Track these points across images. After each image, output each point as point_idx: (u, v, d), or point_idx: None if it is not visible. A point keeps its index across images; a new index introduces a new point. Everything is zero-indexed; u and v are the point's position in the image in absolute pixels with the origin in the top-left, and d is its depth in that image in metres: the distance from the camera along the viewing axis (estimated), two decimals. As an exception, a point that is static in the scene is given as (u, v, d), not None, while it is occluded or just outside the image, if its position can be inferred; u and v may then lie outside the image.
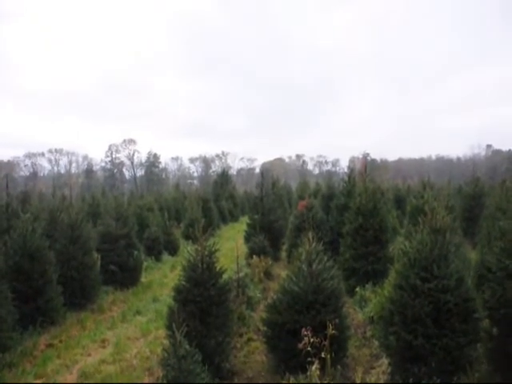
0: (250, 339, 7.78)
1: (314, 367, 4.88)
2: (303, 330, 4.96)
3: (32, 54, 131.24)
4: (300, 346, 4.90)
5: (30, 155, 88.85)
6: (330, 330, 5.05)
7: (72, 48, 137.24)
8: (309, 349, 4.94)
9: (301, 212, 15.59)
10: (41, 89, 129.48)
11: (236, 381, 6.27)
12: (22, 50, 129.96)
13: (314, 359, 4.97)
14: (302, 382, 5.08)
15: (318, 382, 4.83)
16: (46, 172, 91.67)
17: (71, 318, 9.34)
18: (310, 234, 6.98)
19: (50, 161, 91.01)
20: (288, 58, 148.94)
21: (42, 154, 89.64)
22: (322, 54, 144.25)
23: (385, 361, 5.51)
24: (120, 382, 6.28)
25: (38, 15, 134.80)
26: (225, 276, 6.81)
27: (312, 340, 4.88)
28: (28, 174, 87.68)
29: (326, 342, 4.98)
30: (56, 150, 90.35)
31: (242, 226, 27.33)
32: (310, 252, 6.72)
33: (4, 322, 7.40)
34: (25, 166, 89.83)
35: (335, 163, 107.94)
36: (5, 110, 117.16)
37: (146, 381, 6.27)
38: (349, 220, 11.39)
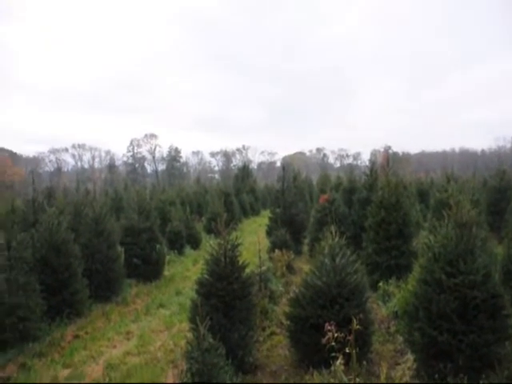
0: (272, 333, 7.79)
1: (338, 362, 4.84)
2: (327, 324, 4.92)
3: (53, 52, 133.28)
4: (324, 340, 4.85)
5: (54, 151, 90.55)
6: (355, 325, 4.99)
7: (91, 45, 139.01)
8: (333, 344, 4.89)
9: (322, 206, 15.52)
10: (64, 86, 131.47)
11: (259, 375, 6.28)
12: (41, 49, 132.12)
13: (338, 354, 4.93)
14: (325, 377, 5.06)
15: (344, 377, 4.79)
16: (70, 167, 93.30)
17: (96, 310, 9.50)
18: (333, 228, 6.93)
19: (73, 156, 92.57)
20: (306, 50, 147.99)
21: (66, 150, 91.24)
22: (340, 44, 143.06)
23: (410, 357, 5.45)
24: (145, 373, 6.36)
25: (54, 12, 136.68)
26: (247, 270, 6.82)
27: (336, 335, 4.83)
28: (52, 169, 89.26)
29: (351, 337, 4.92)
30: (79, 146, 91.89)
31: (263, 219, 27.36)
32: (333, 246, 6.68)
33: (33, 313, 7.61)
34: (49, 161, 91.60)
35: (356, 156, 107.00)
36: (30, 107, 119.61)
37: (170, 373, 6.33)
38: (371, 214, 11.27)
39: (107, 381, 6.28)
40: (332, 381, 5.03)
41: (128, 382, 6.14)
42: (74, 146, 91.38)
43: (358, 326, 5.22)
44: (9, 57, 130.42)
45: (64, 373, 6.65)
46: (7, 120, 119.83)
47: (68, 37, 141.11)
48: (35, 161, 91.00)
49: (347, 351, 4.90)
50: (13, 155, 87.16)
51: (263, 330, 7.81)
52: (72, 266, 9.06)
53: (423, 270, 6.14)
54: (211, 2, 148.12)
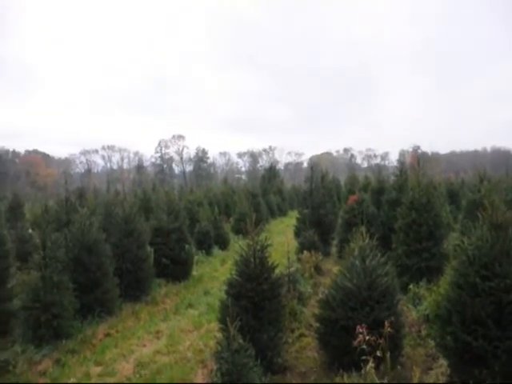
0: (301, 335, 7.75)
1: (369, 366, 4.79)
2: (358, 327, 4.88)
3: (84, 56, 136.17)
4: (355, 343, 4.82)
5: (84, 152, 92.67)
6: (387, 328, 4.94)
7: (121, 47, 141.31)
8: (364, 346, 4.85)
9: (351, 206, 15.36)
10: (93, 89, 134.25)
11: (288, 376, 6.26)
12: (73, 52, 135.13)
13: (368, 357, 4.88)
14: (355, 380, 5.00)
15: (377, 380, 4.73)
16: (100, 168, 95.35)
17: (126, 309, 9.64)
18: (364, 229, 6.85)
19: (103, 157, 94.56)
20: (334, 49, 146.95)
21: (96, 151, 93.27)
22: (367, 43, 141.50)
23: (444, 362, 5.32)
24: (174, 372, 6.42)
25: (85, 15, 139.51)
26: (276, 271, 6.81)
27: (367, 338, 4.78)
28: (83, 170, 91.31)
29: (382, 341, 4.87)
30: (109, 147, 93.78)
31: (290, 220, 27.30)
32: (363, 247, 6.60)
33: (66, 310, 7.79)
34: (80, 162, 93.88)
35: (384, 157, 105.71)
36: (62, 109, 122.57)
37: (200, 373, 6.38)
38: (401, 215, 11.09)
39: (138, 378, 6.36)
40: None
41: (158, 380, 6.20)
42: (103, 148, 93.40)
43: (389, 330, 5.17)
44: (41, 60, 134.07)
45: (96, 370, 6.77)
46: (40, 122, 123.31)
47: (97, 39, 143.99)
48: (67, 162, 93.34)
49: (378, 354, 4.85)
50: (46, 157, 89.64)
51: (292, 331, 7.78)
52: (103, 266, 9.22)
53: (456, 273, 6.00)
54: (240, 3, 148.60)
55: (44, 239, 8.07)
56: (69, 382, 6.33)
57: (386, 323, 5.09)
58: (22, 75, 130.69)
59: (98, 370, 6.78)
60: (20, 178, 77.61)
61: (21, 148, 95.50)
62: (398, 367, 5.56)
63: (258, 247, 6.42)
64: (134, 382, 6.28)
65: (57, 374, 6.57)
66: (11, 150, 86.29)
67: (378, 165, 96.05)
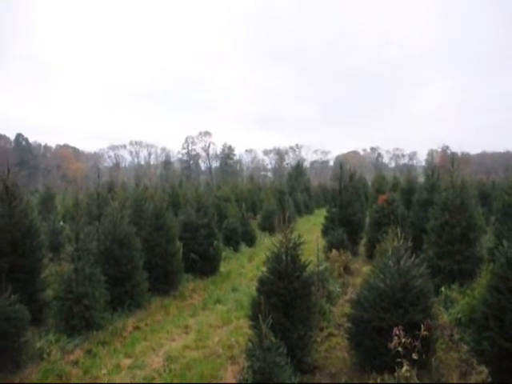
0: (330, 334, 7.66)
1: (404, 369, 4.67)
2: (395, 329, 4.77)
3: (115, 52, 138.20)
4: (391, 345, 4.71)
5: (113, 147, 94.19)
6: (423, 331, 4.82)
7: (147, 43, 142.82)
8: (399, 349, 4.74)
9: (381, 206, 15.14)
10: (122, 85, 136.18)
11: (318, 376, 6.19)
12: (102, 47, 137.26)
13: (404, 360, 4.76)
14: (391, 382, 4.89)
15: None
16: (127, 163, 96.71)
17: (155, 302, 9.70)
18: (398, 230, 6.72)
19: (130, 153, 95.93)
20: (360, 46, 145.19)
21: (124, 146, 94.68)
22: (394, 40, 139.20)
23: (484, 369, 5.15)
24: (204, 367, 6.43)
25: (115, 10, 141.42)
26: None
27: (403, 340, 4.67)
28: (111, 164, 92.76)
29: (418, 343, 4.75)
30: (136, 143, 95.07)
31: (317, 218, 27.11)
32: (397, 248, 6.46)
33: (97, 302, 7.90)
34: (108, 157, 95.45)
35: (412, 156, 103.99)
36: (92, 105, 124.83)
37: (230, 369, 6.36)
38: (433, 216, 10.85)
39: (167, 373, 6.39)
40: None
41: (188, 375, 6.21)
42: (131, 143, 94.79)
43: (425, 332, 5.04)
44: (71, 56, 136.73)
45: (126, 362, 6.84)
46: (71, 117, 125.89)
47: (126, 36, 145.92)
48: (95, 157, 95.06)
49: (414, 357, 4.73)
50: (75, 151, 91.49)
51: (321, 330, 7.69)
52: (134, 259, 9.31)
53: (495, 277, 5.83)
54: (272, 1, 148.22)
55: (77, 232, 8.18)
56: (100, 372, 6.40)
57: (423, 326, 4.96)
58: (54, 72, 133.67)
59: (128, 362, 6.84)
60: (51, 172, 79.46)
61: (52, 143, 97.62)
62: (441, 371, 5.41)
63: (291, 244, 6.35)
64: (163, 375, 6.31)
65: (88, 364, 6.66)
66: (43, 144, 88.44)
67: (405, 165, 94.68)
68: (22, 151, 76.16)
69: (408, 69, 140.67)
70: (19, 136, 79.01)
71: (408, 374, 4.68)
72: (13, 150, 76.04)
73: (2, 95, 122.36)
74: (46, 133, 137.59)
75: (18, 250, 8.13)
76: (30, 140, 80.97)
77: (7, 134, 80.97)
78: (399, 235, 6.57)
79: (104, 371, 6.46)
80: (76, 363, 6.69)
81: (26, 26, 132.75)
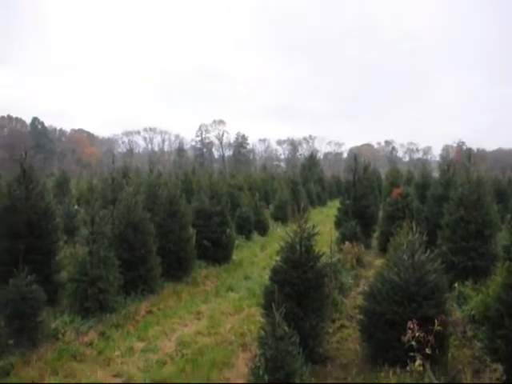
0: (342, 326, 7.66)
1: (417, 363, 4.66)
2: (409, 322, 4.75)
3: (133, 39, 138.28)
4: (404, 339, 4.70)
5: (127, 133, 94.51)
6: (437, 326, 4.79)
7: (165, 32, 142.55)
8: (412, 343, 4.72)
9: (395, 200, 15.03)
10: (137, 72, 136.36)
11: (329, 366, 6.20)
12: (121, 35, 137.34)
13: (417, 354, 4.75)
14: (405, 376, 4.88)
15: (434, 379, 4.59)
16: (141, 149, 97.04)
17: (168, 288, 9.78)
18: (413, 224, 6.67)
19: (144, 139, 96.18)
20: (376, 40, 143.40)
21: (138, 133, 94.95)
22: (411, 34, 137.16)
23: (499, 367, 5.11)
24: (216, 353, 6.48)
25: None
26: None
27: (417, 334, 4.65)
28: (125, 150, 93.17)
29: (431, 338, 4.73)
30: (150, 129, 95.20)
31: (329, 210, 27.03)
32: (412, 242, 6.42)
33: (111, 285, 7.99)
34: (122, 143, 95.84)
35: (427, 151, 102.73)
36: (107, 90, 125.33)
37: (241, 356, 6.41)
38: (448, 211, 10.75)
39: (180, 357, 6.46)
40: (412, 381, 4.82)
41: (200, 360, 6.27)
42: (145, 129, 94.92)
43: (439, 328, 5.01)
44: (90, 43, 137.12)
45: (139, 345, 6.92)
46: (87, 102, 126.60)
47: (144, 24, 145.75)
48: (110, 142, 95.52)
49: (427, 352, 4.71)
50: (90, 136, 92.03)
51: (333, 321, 7.70)
52: (148, 244, 9.37)
53: (510, 275, 5.76)
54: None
55: (93, 215, 8.25)
56: (113, 354, 6.49)
57: (436, 321, 4.93)
58: (71, 57, 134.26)
59: (141, 345, 6.93)
60: (66, 156, 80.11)
61: (67, 127, 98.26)
62: (460, 367, 5.38)
63: (305, 235, 6.34)
64: (175, 359, 6.37)
65: (102, 345, 6.76)
66: (58, 128, 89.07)
67: (420, 159, 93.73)
68: (37, 135, 76.78)
69: (425, 63, 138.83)
70: (35, 120, 79.66)
71: (421, 369, 4.67)
72: (29, 133, 76.78)
73: (19, 80, 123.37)
74: (61, 117, 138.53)
75: (34, 232, 8.24)
76: (46, 124, 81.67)
77: (23, 118, 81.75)
78: (414, 229, 6.53)
79: (117, 353, 6.55)
80: (90, 344, 6.80)
81: (40, 17, 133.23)
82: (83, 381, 5.73)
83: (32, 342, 6.40)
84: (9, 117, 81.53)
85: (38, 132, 78.30)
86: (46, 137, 79.46)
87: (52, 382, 5.61)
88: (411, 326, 4.71)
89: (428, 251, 6.53)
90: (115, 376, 5.93)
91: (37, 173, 9.28)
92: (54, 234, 8.75)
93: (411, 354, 4.86)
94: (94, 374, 5.93)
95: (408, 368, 4.98)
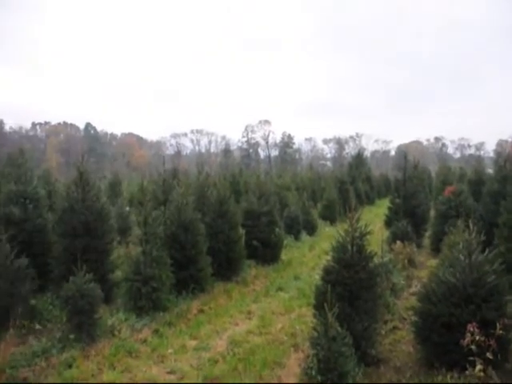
0: (395, 327, 7.49)
1: (477, 368, 4.48)
2: (469, 325, 4.58)
3: (171, 42, 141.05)
4: (464, 342, 4.53)
5: (174, 136, 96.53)
6: (499, 330, 4.59)
7: (210, 35, 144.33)
8: (472, 347, 4.55)
9: (447, 198, 14.55)
10: (182, 73, 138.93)
11: (382, 369, 6.07)
12: (168, 38, 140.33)
13: (477, 359, 4.57)
14: (460, 380, 4.71)
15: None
16: (188, 151, 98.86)
17: (218, 287, 9.88)
18: (470, 222, 6.43)
19: (191, 141, 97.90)
20: (425, 33, 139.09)
21: (185, 135, 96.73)
22: (463, 26, 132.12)
23: None
24: (268, 353, 6.50)
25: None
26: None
27: (477, 338, 4.48)
28: (173, 152, 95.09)
29: (493, 342, 4.53)
30: (197, 131, 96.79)
31: (378, 209, 26.53)
32: (470, 241, 6.19)
33: (164, 284, 8.18)
34: (170, 145, 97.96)
35: (479, 147, 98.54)
36: (155, 95, 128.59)
37: (293, 357, 6.39)
38: (506, 209, 10.28)
39: (231, 356, 6.52)
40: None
41: (252, 359, 6.29)
42: (192, 131, 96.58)
43: (500, 331, 4.81)
44: (133, 48, 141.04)
45: (191, 343, 7.04)
46: (136, 107, 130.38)
47: (187, 24, 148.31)
48: (158, 145, 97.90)
49: (489, 357, 4.52)
50: (139, 139, 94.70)
51: (385, 323, 7.54)
52: (198, 244, 9.53)
53: None
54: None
55: (146, 216, 8.48)
56: (167, 352, 6.64)
57: (498, 324, 4.73)
58: (121, 63, 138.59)
59: (194, 343, 7.04)
60: (117, 159, 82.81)
61: (117, 131, 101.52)
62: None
63: (357, 234, 6.24)
64: (227, 358, 6.43)
65: (156, 343, 6.93)
66: (109, 132, 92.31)
67: (472, 155, 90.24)
68: (90, 139, 79.97)
69: (476, 55, 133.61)
70: (88, 125, 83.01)
71: (481, 374, 4.49)
72: (82, 138, 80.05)
73: (72, 87, 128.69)
74: (112, 123, 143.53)
75: (90, 232, 8.56)
76: (98, 129, 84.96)
77: (77, 124, 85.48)
78: (471, 228, 6.29)
79: (170, 350, 6.69)
80: (144, 341, 6.99)
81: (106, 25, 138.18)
82: (139, 376, 5.89)
83: (91, 338, 6.67)
84: (64, 123, 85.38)
85: (91, 137, 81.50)
86: (98, 141, 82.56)
87: (110, 376, 5.80)
88: (471, 329, 4.54)
89: (486, 251, 6.28)
90: (169, 373, 6.06)
91: (91, 176, 9.64)
92: (109, 235, 9.06)
93: (471, 358, 4.68)
94: (148, 370, 6.08)
95: (467, 373, 4.82)
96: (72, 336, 6.59)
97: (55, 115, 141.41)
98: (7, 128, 79.44)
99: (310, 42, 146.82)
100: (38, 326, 7.28)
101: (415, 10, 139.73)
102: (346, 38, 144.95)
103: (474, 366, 4.65)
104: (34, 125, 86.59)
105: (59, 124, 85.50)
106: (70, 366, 6.01)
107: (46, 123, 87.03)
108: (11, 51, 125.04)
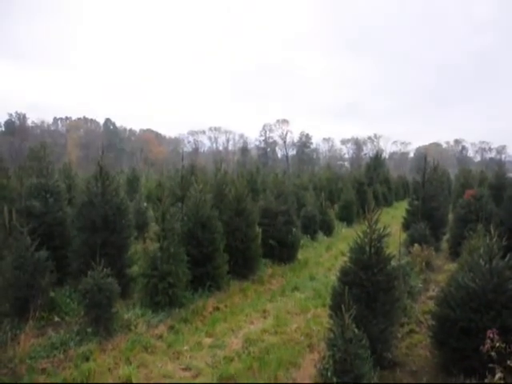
0: (411, 331, 7.41)
1: (497, 376, 4.39)
2: (489, 331, 4.49)
3: (193, 42, 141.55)
4: (483, 348, 4.45)
5: (192, 133, 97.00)
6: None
7: (231, 33, 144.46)
8: (492, 354, 4.47)
9: (467, 201, 14.33)
10: (201, 72, 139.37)
11: (398, 372, 6.01)
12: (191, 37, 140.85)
13: (496, 366, 4.48)
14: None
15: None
16: (206, 148, 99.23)
17: (234, 285, 9.90)
18: (491, 227, 6.32)
19: (209, 138, 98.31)
20: (443, 32, 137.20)
21: (203, 132, 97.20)
22: (482, 26, 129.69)
23: None
24: (283, 352, 6.48)
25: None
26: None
27: (498, 344, 4.39)
28: (190, 149, 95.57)
29: (513, 349, 4.44)
30: (215, 129, 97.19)
31: (396, 211, 26.24)
32: (491, 246, 6.08)
33: (180, 281, 8.22)
34: (188, 142, 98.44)
35: (501, 150, 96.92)
36: (174, 92, 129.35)
37: (308, 357, 6.37)
38: (528, 215, 10.10)
39: (246, 354, 6.52)
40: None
41: (267, 358, 6.29)
42: (210, 129, 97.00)
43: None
44: (156, 44, 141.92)
45: (207, 341, 7.07)
46: (155, 104, 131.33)
47: (206, 27, 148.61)
48: (176, 141, 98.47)
49: (510, 364, 4.43)
50: (158, 136, 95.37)
51: (401, 326, 7.46)
52: (215, 241, 9.54)
53: None
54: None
55: (164, 212, 8.52)
56: (182, 348, 6.67)
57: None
58: (143, 61, 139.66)
59: (209, 341, 7.06)
60: (135, 155, 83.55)
61: (136, 127, 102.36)
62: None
63: (375, 236, 6.18)
64: (242, 357, 6.44)
65: (172, 339, 6.97)
66: (128, 128, 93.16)
67: (492, 159, 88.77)
68: (109, 135, 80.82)
69: (497, 58, 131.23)
70: (107, 121, 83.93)
71: (501, 382, 4.40)
72: (102, 133, 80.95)
73: (93, 83, 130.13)
74: (131, 119, 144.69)
75: (109, 227, 8.63)
76: (117, 125, 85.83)
77: (97, 119, 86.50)
78: (492, 233, 6.19)
79: (186, 347, 6.72)
80: (160, 337, 7.03)
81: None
82: (155, 372, 5.93)
83: (107, 332, 6.74)
84: (84, 118, 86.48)
85: (110, 132, 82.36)
86: (118, 136, 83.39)
87: (126, 370, 5.85)
88: (491, 336, 4.45)
89: (507, 257, 6.17)
90: (184, 369, 6.10)
91: (110, 170, 9.72)
92: (127, 230, 9.12)
93: (490, 365, 4.60)
94: (164, 366, 6.12)
95: (486, 380, 4.74)
96: (89, 329, 6.67)
97: (76, 111, 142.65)
98: (29, 122, 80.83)
99: (329, 44, 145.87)
100: (56, 319, 7.41)
101: (436, 10, 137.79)
102: (364, 41, 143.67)
103: (494, 374, 4.56)
104: (55, 120, 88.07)
105: (79, 119, 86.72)
106: (87, 359, 6.08)
107: (67, 118, 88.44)
108: (37, 49, 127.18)
